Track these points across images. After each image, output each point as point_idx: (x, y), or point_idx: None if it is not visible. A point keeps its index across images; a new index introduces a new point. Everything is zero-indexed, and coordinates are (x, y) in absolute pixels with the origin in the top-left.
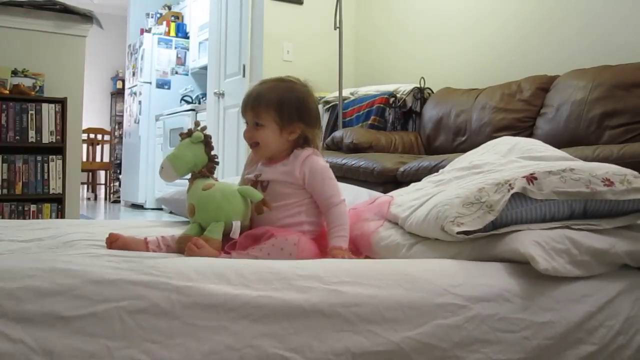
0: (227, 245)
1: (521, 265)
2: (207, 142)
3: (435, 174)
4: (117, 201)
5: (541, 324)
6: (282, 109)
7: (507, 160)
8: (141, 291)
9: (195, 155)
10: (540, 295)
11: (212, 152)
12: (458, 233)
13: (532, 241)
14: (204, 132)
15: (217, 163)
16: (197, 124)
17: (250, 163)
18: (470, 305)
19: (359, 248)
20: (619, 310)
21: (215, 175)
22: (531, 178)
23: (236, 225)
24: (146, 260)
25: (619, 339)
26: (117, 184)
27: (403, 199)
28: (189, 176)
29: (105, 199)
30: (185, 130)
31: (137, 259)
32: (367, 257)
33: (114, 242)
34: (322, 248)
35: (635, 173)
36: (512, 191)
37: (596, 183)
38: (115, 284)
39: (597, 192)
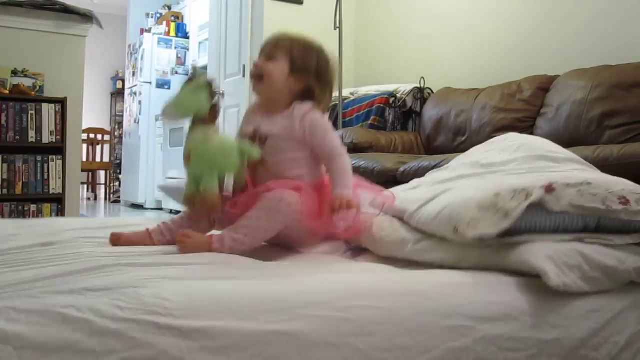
0: (229, 204)
1: (530, 280)
2: (209, 88)
3: (437, 170)
4: (117, 201)
5: (547, 342)
6: (302, 56)
7: (515, 157)
8: (148, 339)
9: (198, 101)
10: (548, 312)
11: (215, 99)
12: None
13: (544, 255)
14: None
15: (219, 110)
16: (195, 68)
17: (248, 115)
18: (478, 326)
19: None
20: (624, 326)
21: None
22: (549, 189)
23: (228, 180)
24: (145, 290)
25: (624, 355)
26: (117, 184)
27: (408, 194)
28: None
29: (105, 199)
30: (189, 77)
31: (133, 289)
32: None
33: (117, 240)
34: (324, 197)
35: None
36: (529, 200)
37: (612, 200)
38: (120, 335)
39: (612, 211)
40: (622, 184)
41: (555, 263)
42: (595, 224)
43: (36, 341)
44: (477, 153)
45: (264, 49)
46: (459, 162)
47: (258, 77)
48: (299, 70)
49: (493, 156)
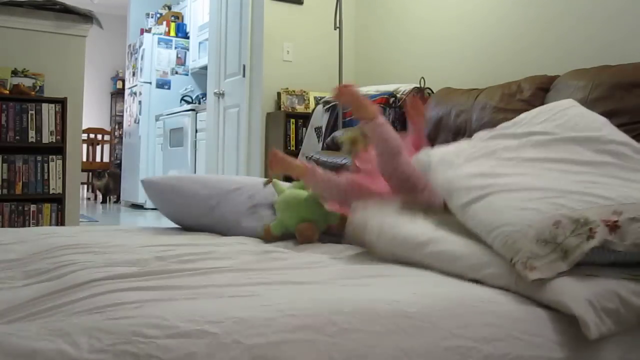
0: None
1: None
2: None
3: (492, 133)
4: (116, 201)
5: None
6: None
7: (577, 151)
8: None
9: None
10: (552, 332)
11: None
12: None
13: (585, 299)
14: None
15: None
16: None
17: None
18: (479, 346)
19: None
20: (623, 342)
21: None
22: (614, 226)
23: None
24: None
25: None
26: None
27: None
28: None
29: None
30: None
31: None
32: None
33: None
34: None
35: None
36: (592, 242)
37: None
38: None
39: None
40: None
41: (595, 310)
42: None
43: None
44: (532, 124)
45: None
46: (516, 133)
47: None
48: None
49: (546, 128)
